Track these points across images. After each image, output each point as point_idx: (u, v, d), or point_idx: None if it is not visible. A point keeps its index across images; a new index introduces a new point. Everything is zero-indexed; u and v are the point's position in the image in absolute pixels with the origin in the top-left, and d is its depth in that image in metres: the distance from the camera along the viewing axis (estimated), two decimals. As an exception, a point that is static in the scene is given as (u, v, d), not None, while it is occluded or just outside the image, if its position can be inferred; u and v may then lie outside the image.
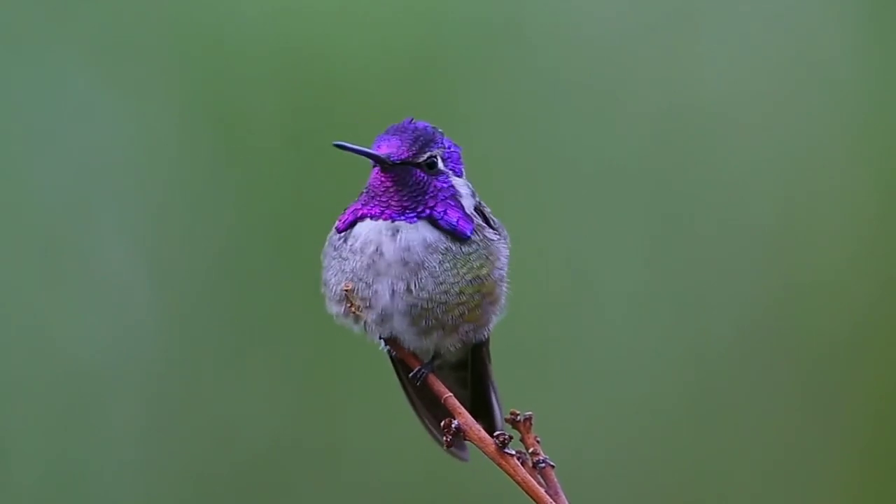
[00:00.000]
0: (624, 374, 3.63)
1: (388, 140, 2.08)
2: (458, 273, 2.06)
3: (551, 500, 1.97)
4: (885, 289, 3.68)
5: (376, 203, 2.08)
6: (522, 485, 1.98)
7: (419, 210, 2.07)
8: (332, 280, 2.11)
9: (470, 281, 2.06)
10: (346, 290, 2.08)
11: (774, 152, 3.70)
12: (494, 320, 2.11)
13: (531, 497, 1.98)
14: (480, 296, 2.07)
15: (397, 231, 2.06)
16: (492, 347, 2.19)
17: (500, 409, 2.20)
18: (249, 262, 3.60)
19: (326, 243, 2.14)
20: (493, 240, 2.09)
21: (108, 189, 3.59)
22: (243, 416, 3.54)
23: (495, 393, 2.20)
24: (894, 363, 3.68)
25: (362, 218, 2.08)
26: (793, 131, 3.71)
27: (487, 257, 2.08)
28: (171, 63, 3.62)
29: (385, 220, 2.07)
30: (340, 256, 2.10)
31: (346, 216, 2.10)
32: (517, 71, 3.69)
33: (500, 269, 2.10)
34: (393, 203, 2.07)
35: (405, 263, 2.05)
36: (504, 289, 2.10)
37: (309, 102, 3.63)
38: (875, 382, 3.68)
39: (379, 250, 2.06)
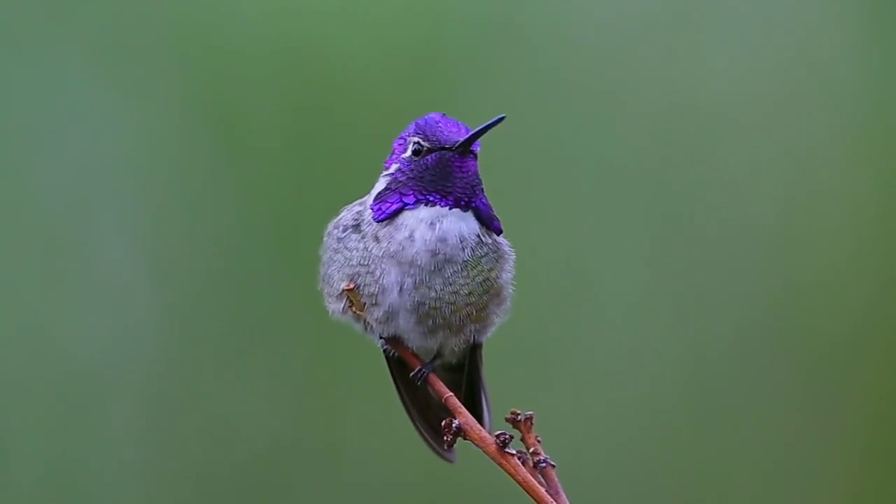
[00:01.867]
0: (624, 373, 3.63)
1: (455, 124, 2.09)
2: (468, 275, 2.06)
3: (552, 500, 1.97)
4: (885, 289, 3.68)
5: (428, 191, 2.07)
6: (523, 484, 1.98)
7: (467, 198, 2.08)
8: (336, 275, 2.09)
9: (480, 283, 2.06)
10: (348, 291, 2.07)
11: (774, 152, 3.70)
12: (497, 322, 2.11)
13: (532, 497, 1.98)
14: (488, 297, 2.07)
15: (441, 218, 2.07)
16: (492, 347, 2.18)
17: (489, 412, 2.20)
18: (249, 262, 3.60)
19: (327, 237, 2.12)
20: (502, 243, 2.10)
21: (108, 189, 3.59)
22: (243, 416, 3.54)
23: (486, 396, 2.20)
24: (894, 363, 3.68)
25: (409, 206, 2.07)
26: (793, 131, 3.71)
27: (497, 261, 2.08)
28: (171, 63, 3.62)
29: (438, 206, 2.07)
30: (346, 248, 2.09)
31: (389, 206, 2.08)
32: (517, 71, 3.69)
33: (508, 273, 2.10)
34: (451, 190, 2.07)
35: (434, 254, 2.05)
36: (510, 292, 2.10)
37: (309, 102, 3.63)
38: (875, 382, 3.68)
39: (412, 237, 2.06)
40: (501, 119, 2.05)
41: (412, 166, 2.08)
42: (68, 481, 3.52)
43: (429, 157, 2.08)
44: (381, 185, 2.11)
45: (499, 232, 2.11)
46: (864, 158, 3.72)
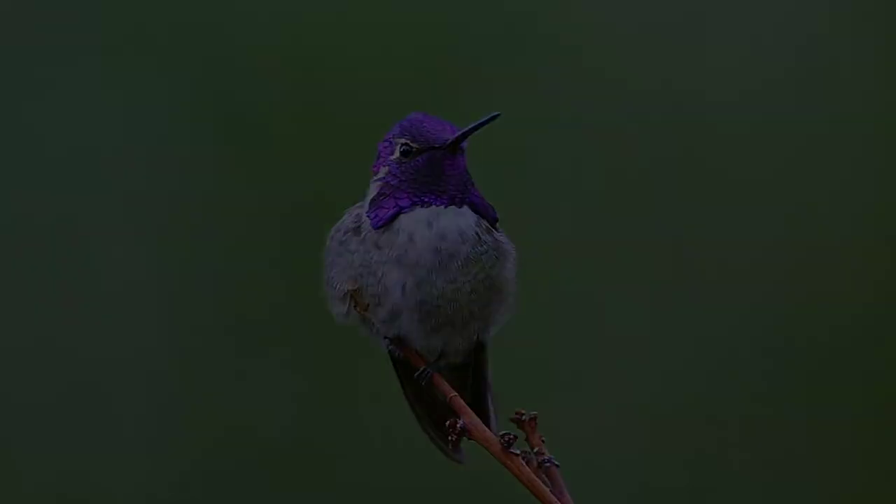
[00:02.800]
0: (628, 374, 3.63)
1: (439, 122, 2.09)
2: (469, 272, 2.05)
3: (556, 500, 1.97)
4: (885, 288, 3.69)
5: (422, 192, 2.07)
6: (527, 484, 1.98)
7: (461, 195, 2.08)
8: (339, 278, 2.09)
9: (482, 280, 2.06)
10: (351, 291, 2.07)
11: (776, 153, 3.71)
12: (502, 320, 2.11)
13: (536, 496, 1.98)
14: (491, 294, 2.07)
15: (436, 217, 2.06)
16: (496, 347, 2.18)
17: (495, 413, 2.19)
18: (254, 263, 3.60)
19: (330, 241, 2.12)
20: (502, 241, 2.09)
21: (110, 190, 3.59)
22: (247, 417, 3.54)
23: (492, 397, 2.20)
24: (895, 363, 3.68)
25: (404, 210, 2.07)
26: (793, 131, 3.72)
27: (498, 258, 2.08)
28: (174, 64, 3.62)
29: (434, 206, 2.06)
30: (348, 251, 2.09)
31: (385, 211, 2.08)
32: (519, 73, 3.69)
33: (511, 270, 2.10)
34: (444, 189, 2.07)
35: (437, 252, 2.05)
36: (513, 289, 2.10)
37: (315, 105, 3.64)
38: (875, 382, 3.68)
39: (412, 238, 2.05)
40: (494, 117, 2.05)
41: (403, 169, 2.08)
42: (69, 482, 3.52)
43: (419, 159, 2.08)
44: (373, 191, 2.10)
45: (495, 220, 2.11)
46: (864, 159, 3.73)
